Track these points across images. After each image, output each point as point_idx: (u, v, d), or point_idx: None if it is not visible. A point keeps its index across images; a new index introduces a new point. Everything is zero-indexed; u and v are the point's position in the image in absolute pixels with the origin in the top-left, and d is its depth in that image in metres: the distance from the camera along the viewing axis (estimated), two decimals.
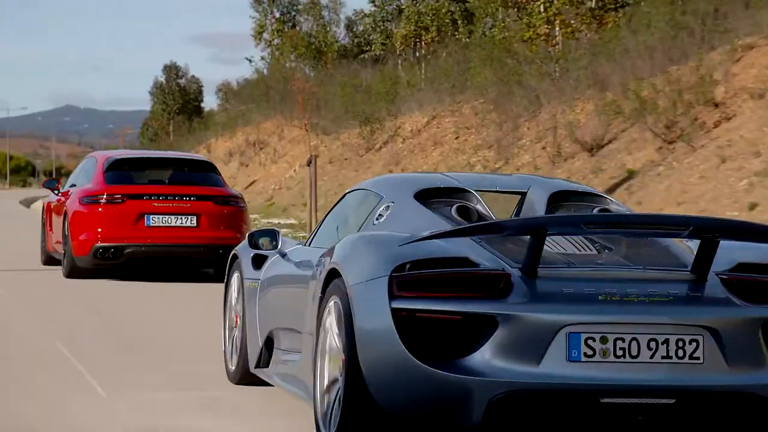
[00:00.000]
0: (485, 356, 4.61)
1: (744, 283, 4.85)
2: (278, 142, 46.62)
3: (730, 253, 4.94)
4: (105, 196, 13.93)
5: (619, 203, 5.94)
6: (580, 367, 4.61)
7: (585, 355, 4.62)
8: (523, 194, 5.92)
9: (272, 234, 6.43)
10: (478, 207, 5.64)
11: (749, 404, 4.72)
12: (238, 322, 6.86)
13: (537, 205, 5.79)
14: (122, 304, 11.64)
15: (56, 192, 15.63)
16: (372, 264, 4.79)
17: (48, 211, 15.78)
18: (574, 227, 4.78)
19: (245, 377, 6.74)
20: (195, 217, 13.96)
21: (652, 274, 4.87)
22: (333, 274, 5.05)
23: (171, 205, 13.93)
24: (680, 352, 4.67)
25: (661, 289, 4.75)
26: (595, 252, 5.07)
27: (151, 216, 13.85)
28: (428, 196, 5.69)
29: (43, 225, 15.95)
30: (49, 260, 15.58)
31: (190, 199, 14.00)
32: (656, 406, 4.64)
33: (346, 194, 6.39)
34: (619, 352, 4.63)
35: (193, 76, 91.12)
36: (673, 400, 4.64)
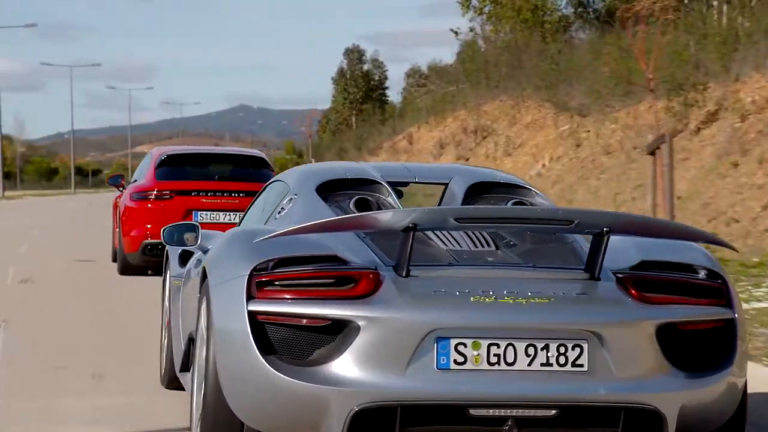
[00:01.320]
0: (346, 364, 4.23)
1: (640, 282, 4.44)
2: (509, 129, 35.25)
3: (638, 250, 4.58)
4: (154, 192, 13.68)
5: (545, 196, 5.53)
6: (449, 376, 4.23)
7: (455, 362, 4.23)
8: (446, 186, 5.53)
9: (193, 228, 5.90)
10: (389, 200, 5.31)
11: (640, 417, 4.31)
12: (166, 322, 6.63)
13: (455, 198, 5.42)
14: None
15: (121, 189, 15.24)
16: (232, 263, 4.51)
17: (114, 207, 15.39)
18: (443, 222, 4.35)
19: (173, 381, 6.29)
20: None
21: (538, 274, 4.45)
22: (204, 274, 4.74)
23: (219, 201, 13.59)
24: (562, 359, 4.27)
25: (544, 289, 4.35)
26: (491, 249, 4.72)
27: (200, 212, 13.52)
28: (334, 188, 5.39)
29: (113, 222, 15.52)
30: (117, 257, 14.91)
31: (238, 195, 13.51)
32: (535, 419, 4.27)
33: (269, 183, 6.07)
34: (493, 359, 4.24)
35: (376, 60, 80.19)
36: (553, 412, 4.25)
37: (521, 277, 4.43)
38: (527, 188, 5.59)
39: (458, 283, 4.34)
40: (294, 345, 4.31)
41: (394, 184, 5.52)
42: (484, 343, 4.25)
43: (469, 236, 4.76)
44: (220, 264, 4.61)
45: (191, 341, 5.43)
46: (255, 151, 15.89)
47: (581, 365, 4.29)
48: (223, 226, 12.68)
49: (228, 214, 13.47)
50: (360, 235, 4.61)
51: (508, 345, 4.25)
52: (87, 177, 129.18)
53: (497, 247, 4.74)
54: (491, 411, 4.23)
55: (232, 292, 4.38)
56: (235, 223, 12.23)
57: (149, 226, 13.39)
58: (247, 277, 4.33)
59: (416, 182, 5.67)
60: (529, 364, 4.27)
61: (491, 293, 4.30)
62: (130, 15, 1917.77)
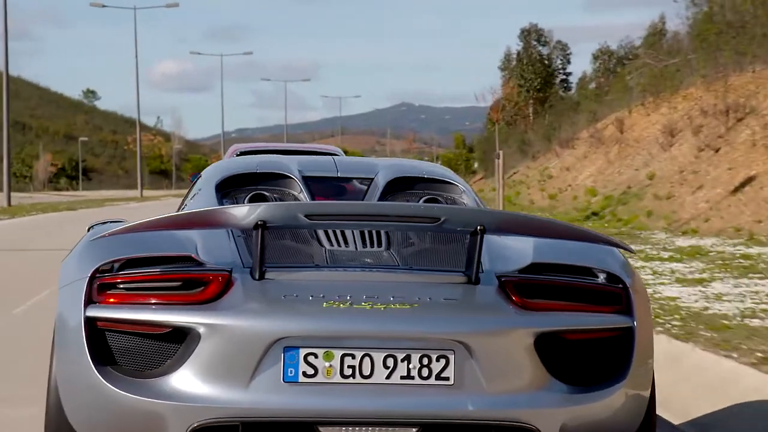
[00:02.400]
0: (186, 377, 3.82)
1: (522, 286, 4.00)
2: None
3: (536, 251, 4.18)
4: None
5: (474, 194, 5.29)
6: (297, 390, 3.81)
7: (304, 374, 3.81)
8: (371, 181, 5.26)
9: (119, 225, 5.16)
10: (301, 196, 5.07)
11: None
12: None
13: (375, 195, 5.12)
14: None
15: None
16: (76, 263, 4.15)
17: None
18: (293, 219, 3.91)
19: None
20: None
21: (410, 277, 4.02)
22: None
23: None
24: (425, 372, 3.84)
25: (409, 294, 3.91)
26: (374, 249, 4.32)
27: None
28: (239, 183, 5.12)
29: None
30: None
31: None
32: None
33: (196, 178, 5.63)
34: (347, 372, 3.81)
35: (558, 42, 69.59)
36: (414, 430, 3.86)
37: (387, 280, 3.98)
38: (453, 184, 5.30)
39: (313, 287, 3.89)
40: (133, 355, 3.88)
41: (315, 180, 5.19)
42: (337, 353, 3.79)
43: (361, 234, 4.38)
44: (68, 264, 4.25)
45: None
46: (332, 147, 14.92)
47: (447, 378, 3.84)
48: None
49: None
50: (235, 233, 4.23)
51: (365, 356, 3.79)
52: None
53: (389, 247, 4.32)
54: (343, 429, 3.81)
55: (72, 296, 3.98)
56: None
57: None
58: (87, 279, 3.94)
59: (338, 177, 5.25)
60: (388, 377, 3.81)
61: (348, 298, 3.84)
62: (293, 14, 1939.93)
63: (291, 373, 3.79)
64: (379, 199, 5.03)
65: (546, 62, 69.17)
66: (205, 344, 3.78)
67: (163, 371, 3.84)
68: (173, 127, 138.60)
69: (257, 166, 5.19)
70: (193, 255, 3.97)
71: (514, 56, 70.58)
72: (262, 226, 3.83)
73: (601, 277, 4.12)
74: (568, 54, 69.62)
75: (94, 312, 3.87)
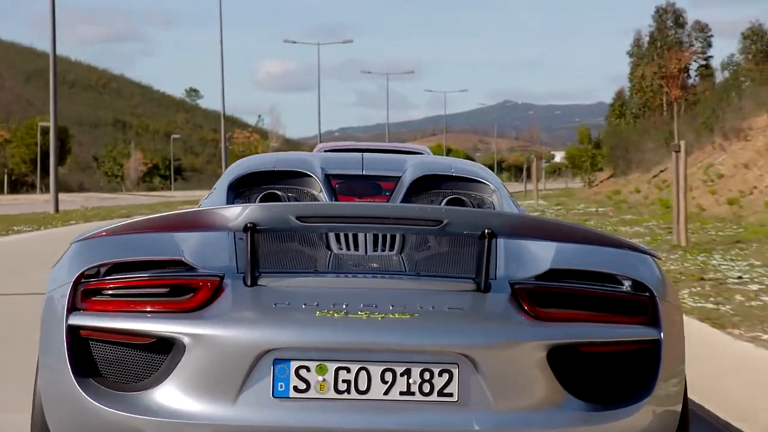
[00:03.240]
0: (170, 391, 3.54)
1: (536, 294, 3.65)
2: None
3: (556, 256, 3.82)
4: None
5: (507, 195, 5.02)
6: (287, 407, 3.50)
7: (295, 389, 3.51)
8: (399, 179, 5.02)
9: None
10: (321, 196, 4.84)
11: None
12: None
13: (400, 194, 4.90)
14: None
15: None
16: (63, 267, 3.89)
17: None
18: (284, 221, 3.62)
19: None
20: None
21: (414, 284, 3.69)
22: None
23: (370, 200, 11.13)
24: (426, 387, 3.52)
25: (411, 302, 3.58)
26: (370, 253, 4.05)
27: None
28: (255, 182, 4.92)
29: None
30: None
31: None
32: None
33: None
34: (342, 386, 3.51)
35: (697, 23, 60.63)
36: None
37: (387, 287, 3.66)
38: (484, 183, 5.06)
39: (307, 295, 3.59)
40: (116, 367, 3.62)
41: (338, 178, 4.95)
42: (332, 366, 3.50)
43: (364, 238, 4.13)
44: (55, 268, 4.01)
45: None
46: (419, 147, 12.29)
47: (450, 394, 3.52)
48: None
49: None
50: (237, 236, 3.88)
51: (361, 369, 3.50)
52: None
53: (394, 251, 4.04)
54: None
55: (55, 302, 3.74)
56: None
57: None
58: (71, 284, 3.68)
59: (363, 175, 5.00)
60: (386, 393, 3.51)
61: (343, 307, 3.54)
62: (395, 14, 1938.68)
63: (281, 387, 3.50)
64: (404, 199, 4.81)
65: (681, 46, 60.27)
66: (191, 356, 3.49)
67: (147, 385, 3.56)
68: (272, 125, 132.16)
69: (275, 164, 4.96)
70: (183, 259, 3.68)
71: (646, 40, 61.78)
72: (252, 228, 3.57)
73: (626, 285, 3.73)
74: (708, 36, 60.54)
75: (77, 320, 3.61)
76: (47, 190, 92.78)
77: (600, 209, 34.73)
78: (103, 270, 3.67)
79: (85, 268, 3.68)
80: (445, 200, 4.83)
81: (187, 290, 3.59)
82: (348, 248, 4.05)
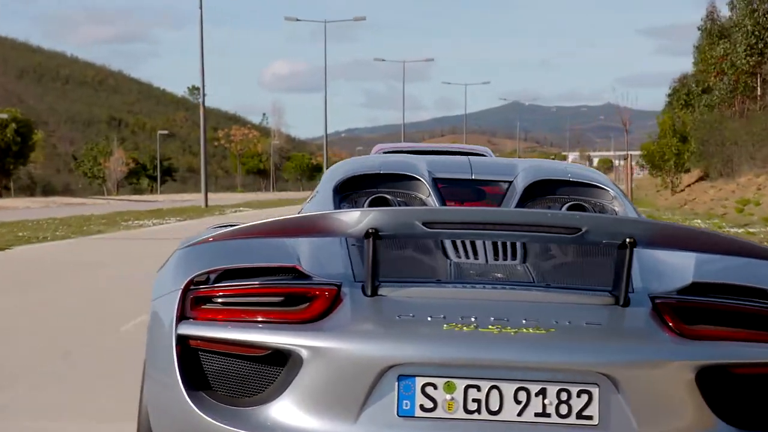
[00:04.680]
0: (286, 407, 3.27)
1: (682, 310, 3.32)
2: None
3: (698, 269, 3.54)
4: None
5: (628, 200, 4.65)
6: (414, 426, 3.21)
7: (422, 408, 3.21)
8: (510, 184, 4.70)
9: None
10: (429, 200, 4.53)
11: None
12: None
13: (513, 199, 4.56)
14: None
15: None
16: (170, 273, 3.65)
17: None
18: (409, 227, 3.33)
19: None
20: None
21: (547, 296, 3.37)
22: None
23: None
24: (563, 409, 3.19)
25: (545, 316, 3.27)
26: (508, 262, 3.74)
27: None
28: (360, 185, 4.63)
29: None
30: None
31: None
32: None
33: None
34: (472, 406, 3.21)
35: None
36: None
37: (519, 299, 3.35)
38: (603, 189, 4.71)
39: (432, 306, 3.30)
40: (229, 380, 3.35)
41: (446, 182, 4.68)
42: (460, 384, 3.20)
43: (493, 246, 3.82)
44: (161, 274, 3.78)
45: None
46: (480, 147, 12.62)
47: (589, 417, 3.19)
48: None
49: None
50: (349, 241, 3.70)
51: (492, 388, 3.20)
52: None
53: (524, 260, 3.73)
54: None
55: (163, 310, 3.50)
56: None
57: None
58: (180, 291, 3.43)
59: (473, 179, 4.71)
60: (520, 414, 3.20)
61: (472, 320, 3.25)
62: (407, 11, 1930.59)
63: (406, 405, 3.21)
64: (518, 205, 4.50)
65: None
66: (308, 370, 3.24)
67: (262, 399, 3.30)
68: (275, 123, 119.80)
69: (381, 167, 4.67)
70: (297, 266, 3.45)
71: (725, 14, 49.09)
72: (374, 234, 3.28)
73: None
74: None
75: (187, 330, 3.35)
76: (9, 192, 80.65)
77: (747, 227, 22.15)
78: (212, 276, 3.42)
79: (194, 275, 3.43)
80: (564, 207, 4.51)
81: (303, 299, 3.33)
82: (467, 256, 3.72)
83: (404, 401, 3.18)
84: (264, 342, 3.24)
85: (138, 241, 20.41)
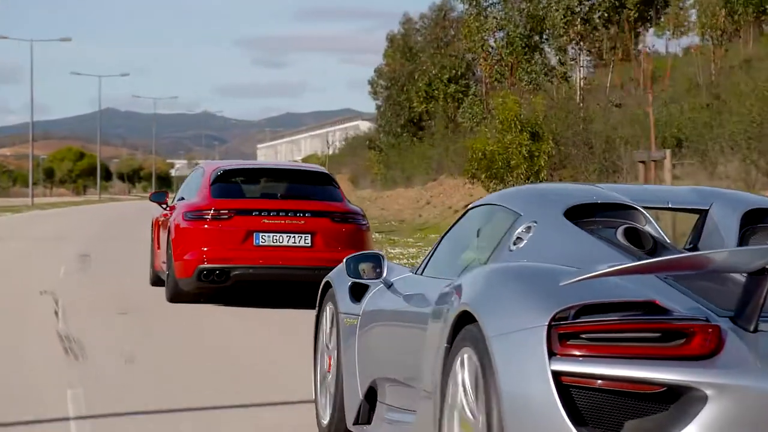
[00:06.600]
0: None
1: None
2: None
3: None
4: (211, 212, 11.76)
5: None
6: None
7: None
8: (704, 213, 4.58)
9: (376, 258, 5.09)
10: (649, 229, 4.34)
11: None
12: (332, 366, 5.53)
13: (724, 229, 4.41)
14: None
15: (164, 206, 13.52)
16: (522, 308, 3.57)
17: (156, 227, 13.69)
18: None
19: None
20: (309, 236, 11.70)
21: None
22: (465, 319, 3.81)
23: (283, 222, 11.67)
24: None
25: None
26: None
27: (261, 234, 11.63)
28: (580, 215, 4.38)
29: (152, 242, 13.87)
30: (157, 280, 13.22)
31: (304, 215, 11.72)
32: None
33: (468, 210, 5.02)
34: None
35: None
36: None
37: None
38: None
39: None
40: (611, 416, 3.36)
41: (649, 211, 4.64)
42: None
43: None
44: (500, 309, 3.62)
45: (372, 391, 4.98)
46: (318, 167, 13.63)
47: None
48: (288, 250, 11.45)
49: (293, 236, 11.50)
50: (661, 278, 3.69)
51: None
52: None
53: None
54: None
55: (524, 347, 3.44)
56: (303, 247, 11.45)
57: (205, 249, 11.47)
58: (546, 327, 3.41)
59: (669, 208, 4.68)
60: None
61: None
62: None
63: None
64: (738, 237, 4.35)
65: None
66: (713, 407, 3.26)
67: None
68: None
69: (593, 196, 4.45)
70: (656, 301, 3.46)
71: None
72: (766, 271, 3.34)
73: None
74: None
75: (561, 366, 3.36)
76: None
77: None
78: (572, 313, 3.43)
79: (558, 310, 3.43)
80: None
81: (678, 335, 3.34)
82: None
83: None
84: (660, 379, 3.25)
85: None
